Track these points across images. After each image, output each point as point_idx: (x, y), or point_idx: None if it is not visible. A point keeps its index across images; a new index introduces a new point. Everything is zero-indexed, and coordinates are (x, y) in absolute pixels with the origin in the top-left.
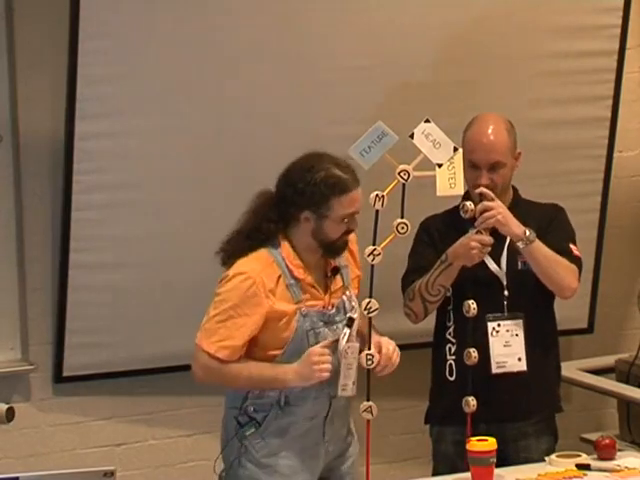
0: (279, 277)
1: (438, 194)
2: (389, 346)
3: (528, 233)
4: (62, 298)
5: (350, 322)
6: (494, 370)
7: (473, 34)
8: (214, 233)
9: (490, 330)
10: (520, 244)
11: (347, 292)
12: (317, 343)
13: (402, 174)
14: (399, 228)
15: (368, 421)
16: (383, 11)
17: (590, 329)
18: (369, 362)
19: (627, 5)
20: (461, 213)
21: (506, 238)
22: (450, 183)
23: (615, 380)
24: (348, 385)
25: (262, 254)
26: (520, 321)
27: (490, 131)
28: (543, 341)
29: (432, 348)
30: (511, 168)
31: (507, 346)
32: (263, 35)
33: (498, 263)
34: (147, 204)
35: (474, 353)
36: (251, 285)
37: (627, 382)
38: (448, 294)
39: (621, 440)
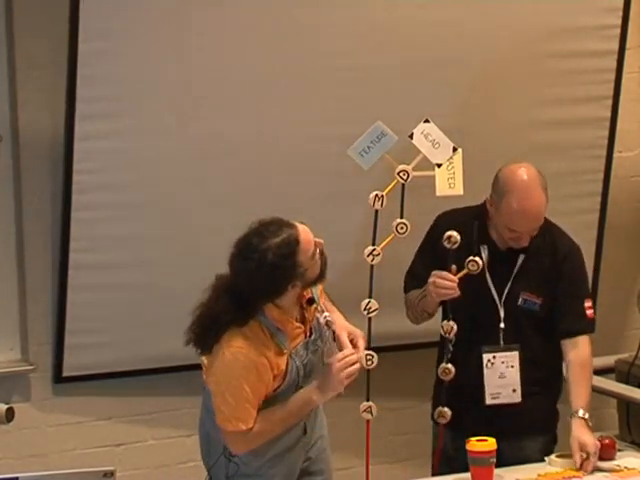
0: (267, 336)
1: (438, 194)
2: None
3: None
4: (62, 298)
5: (334, 334)
6: (488, 402)
7: (473, 34)
8: (214, 233)
9: (485, 362)
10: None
11: (318, 308)
12: (305, 373)
13: (401, 174)
14: (398, 228)
15: (368, 421)
16: (383, 11)
17: None
18: (369, 362)
19: (627, 5)
20: (444, 243)
21: (516, 265)
22: (449, 183)
23: (615, 380)
24: None
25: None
26: (516, 352)
27: (532, 202)
28: (539, 374)
29: (437, 351)
30: None
31: (502, 378)
32: (263, 35)
33: (501, 293)
34: (147, 204)
35: (452, 369)
36: (247, 356)
37: (627, 382)
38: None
39: (621, 440)
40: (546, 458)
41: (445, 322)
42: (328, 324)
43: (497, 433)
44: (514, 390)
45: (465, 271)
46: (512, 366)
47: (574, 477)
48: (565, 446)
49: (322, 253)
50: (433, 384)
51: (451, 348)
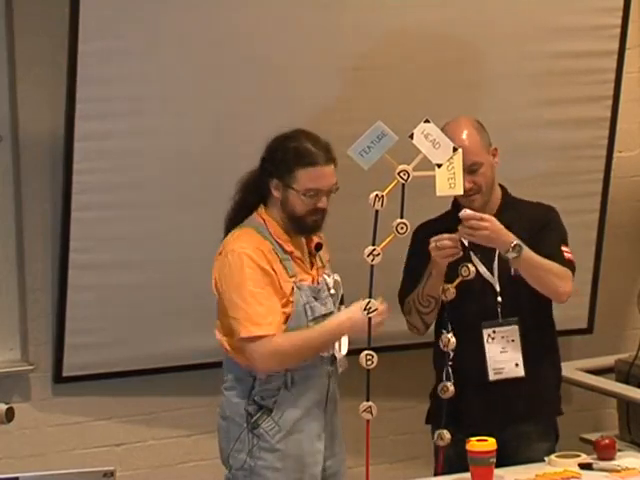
0: (273, 251)
1: (438, 194)
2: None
3: (515, 244)
4: (62, 298)
5: (342, 299)
6: (491, 377)
7: (473, 34)
8: (214, 233)
9: (485, 337)
10: (509, 255)
11: (326, 271)
12: (313, 317)
13: (402, 174)
14: (399, 228)
15: (368, 421)
16: (383, 11)
17: (590, 329)
18: (369, 362)
19: (627, 5)
20: (461, 272)
21: None
22: (450, 183)
23: (615, 380)
24: (343, 360)
25: (250, 232)
26: (515, 326)
27: (460, 135)
28: (541, 345)
29: (433, 351)
30: (490, 166)
31: (504, 352)
32: (263, 35)
33: (490, 269)
34: (147, 204)
35: (451, 387)
36: (252, 258)
37: (627, 382)
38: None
39: (621, 440)
40: (546, 458)
41: (444, 334)
42: (336, 286)
43: (500, 415)
44: (517, 364)
45: (459, 279)
46: (512, 340)
47: (573, 477)
48: (565, 446)
49: (316, 211)
50: (430, 401)
51: (450, 363)
